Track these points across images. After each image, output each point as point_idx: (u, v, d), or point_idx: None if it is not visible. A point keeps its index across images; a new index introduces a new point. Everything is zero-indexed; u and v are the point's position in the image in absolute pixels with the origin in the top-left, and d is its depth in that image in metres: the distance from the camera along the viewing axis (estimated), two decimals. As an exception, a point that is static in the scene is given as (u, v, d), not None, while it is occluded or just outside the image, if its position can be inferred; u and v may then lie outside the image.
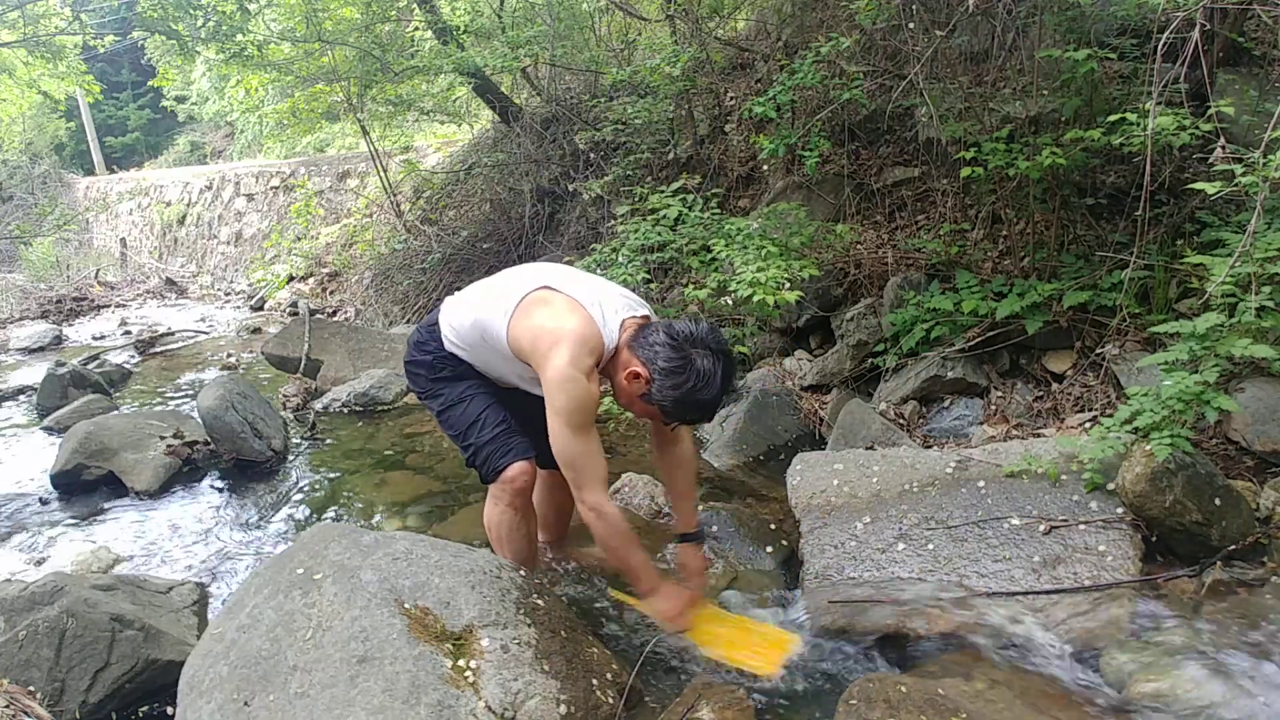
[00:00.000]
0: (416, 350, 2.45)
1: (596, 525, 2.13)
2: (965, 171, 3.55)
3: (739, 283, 3.54)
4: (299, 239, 11.10)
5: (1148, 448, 2.31)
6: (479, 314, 2.28)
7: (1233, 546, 2.35)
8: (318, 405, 5.17)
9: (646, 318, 2.24)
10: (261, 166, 13.73)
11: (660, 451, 2.42)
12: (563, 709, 1.83)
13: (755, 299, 3.45)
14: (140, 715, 2.28)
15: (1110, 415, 2.54)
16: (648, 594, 2.22)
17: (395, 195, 9.29)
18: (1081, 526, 2.42)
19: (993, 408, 3.53)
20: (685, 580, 2.38)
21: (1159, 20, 2.89)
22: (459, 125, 9.62)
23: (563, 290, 2.18)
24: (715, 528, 2.90)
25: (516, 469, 2.29)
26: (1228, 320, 2.38)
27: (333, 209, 11.39)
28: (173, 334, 8.67)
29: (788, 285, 3.60)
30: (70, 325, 9.86)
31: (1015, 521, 2.49)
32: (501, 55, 6.05)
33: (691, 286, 4.09)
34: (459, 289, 2.51)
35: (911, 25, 4.14)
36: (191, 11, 7.99)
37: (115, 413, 4.90)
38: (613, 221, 5.10)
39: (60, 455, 4.11)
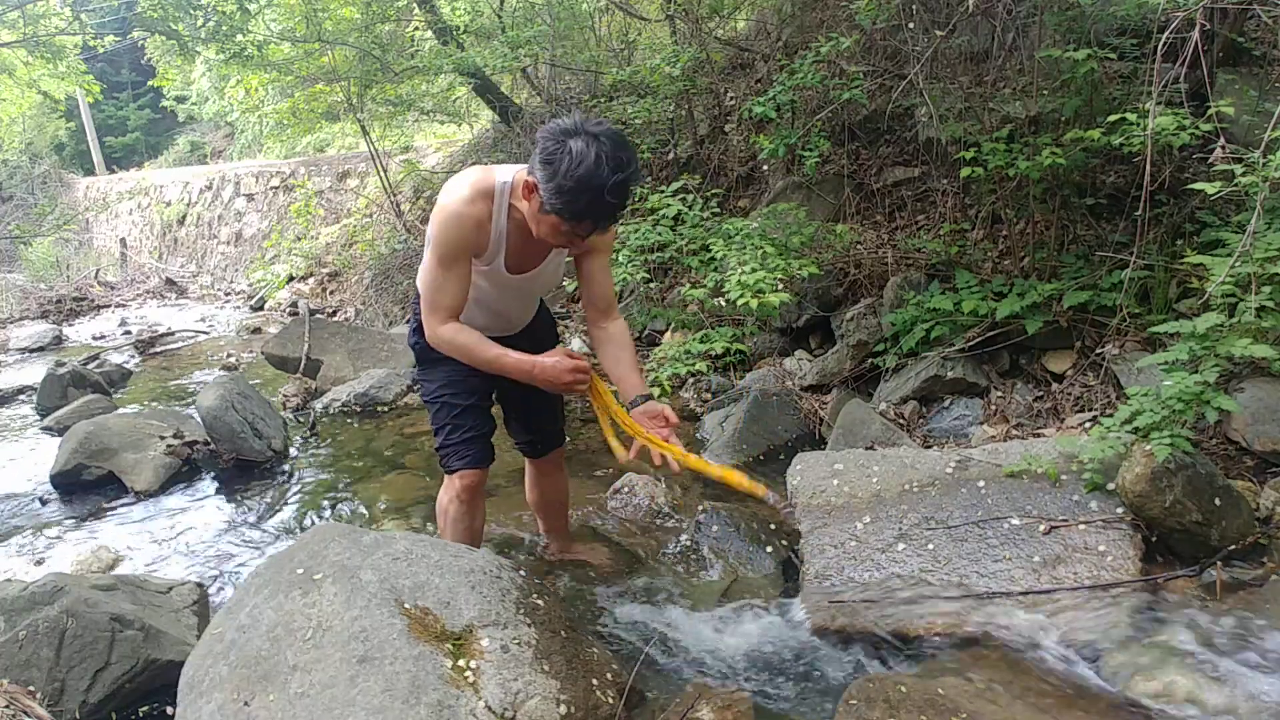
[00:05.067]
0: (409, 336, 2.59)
1: (449, 349, 2.19)
2: (965, 171, 3.56)
3: (730, 284, 3.54)
4: (299, 239, 11.10)
5: (1148, 448, 2.30)
6: None
7: (1233, 546, 2.35)
8: (318, 405, 5.17)
9: None
10: (261, 166, 13.73)
11: (595, 334, 2.35)
12: (563, 709, 1.83)
13: (741, 302, 3.45)
14: (140, 715, 2.28)
15: (1110, 415, 2.54)
16: (528, 371, 2.11)
17: (395, 195, 9.29)
18: (1081, 526, 2.42)
19: (993, 408, 3.53)
20: (656, 430, 2.21)
21: (1159, 20, 2.89)
22: (459, 125, 9.63)
23: None
24: (715, 528, 2.90)
25: (469, 474, 2.41)
26: (1228, 320, 2.38)
27: (333, 209, 11.39)
28: (173, 334, 8.67)
29: (780, 286, 3.59)
30: (70, 325, 9.86)
31: (1015, 521, 2.49)
32: (501, 55, 6.06)
33: (691, 286, 4.09)
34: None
35: (911, 25, 4.15)
36: (191, 11, 8.00)
37: (115, 413, 4.90)
38: (613, 221, 5.09)
39: (60, 455, 4.11)
